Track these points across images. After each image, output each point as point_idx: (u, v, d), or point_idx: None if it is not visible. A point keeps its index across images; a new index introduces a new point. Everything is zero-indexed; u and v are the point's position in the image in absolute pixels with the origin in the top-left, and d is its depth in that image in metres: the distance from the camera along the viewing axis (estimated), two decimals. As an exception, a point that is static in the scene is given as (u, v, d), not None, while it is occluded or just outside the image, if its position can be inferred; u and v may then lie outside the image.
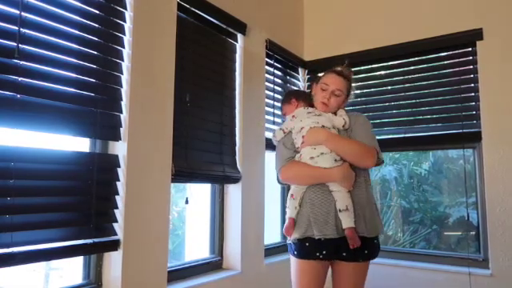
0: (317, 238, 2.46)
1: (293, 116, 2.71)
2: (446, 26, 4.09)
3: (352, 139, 2.57)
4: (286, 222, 2.59)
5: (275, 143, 2.81)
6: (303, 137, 2.57)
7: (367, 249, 2.51)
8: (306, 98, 2.78)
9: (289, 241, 2.64)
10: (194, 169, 3.31)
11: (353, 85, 2.79)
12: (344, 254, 2.50)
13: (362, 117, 2.72)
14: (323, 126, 2.56)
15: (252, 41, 4.00)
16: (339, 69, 2.74)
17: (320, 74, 2.85)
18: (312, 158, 2.51)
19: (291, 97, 2.81)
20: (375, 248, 2.58)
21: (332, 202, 2.47)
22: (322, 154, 2.50)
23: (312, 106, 2.74)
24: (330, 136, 2.52)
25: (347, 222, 2.41)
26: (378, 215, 2.63)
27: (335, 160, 2.49)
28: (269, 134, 4.18)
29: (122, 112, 2.73)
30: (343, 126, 2.61)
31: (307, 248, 2.52)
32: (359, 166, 2.53)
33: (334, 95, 2.64)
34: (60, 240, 2.38)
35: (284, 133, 2.72)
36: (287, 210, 2.61)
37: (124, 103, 2.74)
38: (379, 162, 2.60)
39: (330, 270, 2.65)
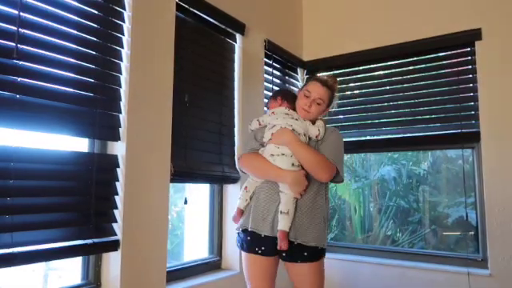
0: (249, 229, 2.59)
1: (272, 112, 2.77)
2: (445, 26, 4.10)
3: (315, 150, 2.61)
4: (234, 211, 2.74)
5: (249, 131, 2.89)
6: (272, 134, 2.64)
7: (306, 251, 2.54)
8: (291, 100, 2.81)
9: (236, 230, 2.76)
10: (193, 169, 3.31)
11: (336, 95, 2.81)
12: (284, 254, 2.58)
13: (337, 133, 2.75)
14: (293, 130, 2.61)
15: (251, 41, 4.01)
16: (324, 78, 2.77)
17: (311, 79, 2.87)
18: (272, 155, 2.59)
19: (278, 95, 2.87)
20: (316, 252, 2.58)
21: (276, 202, 2.55)
22: (282, 154, 2.57)
23: (295, 109, 2.77)
24: (294, 139, 2.57)
25: (282, 224, 2.48)
26: (324, 228, 2.62)
27: (292, 164, 2.55)
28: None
29: (120, 112, 2.73)
30: (316, 137, 2.65)
31: (249, 242, 2.62)
32: (314, 177, 2.57)
33: (316, 103, 2.66)
34: (60, 240, 2.38)
35: (259, 125, 2.78)
36: (238, 199, 2.74)
37: (123, 103, 2.74)
38: (337, 180, 2.67)
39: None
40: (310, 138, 2.65)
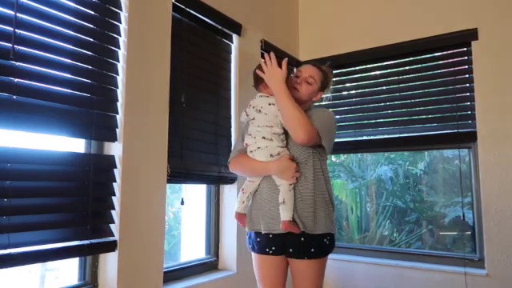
0: (263, 232, 2.55)
1: (249, 105, 2.69)
2: (441, 26, 4.11)
3: (299, 106, 2.47)
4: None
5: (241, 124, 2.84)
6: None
7: (313, 247, 2.49)
8: None
9: (247, 232, 2.74)
10: (190, 169, 3.31)
11: (331, 83, 2.77)
12: (290, 251, 2.53)
13: (326, 110, 2.72)
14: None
15: (247, 41, 4.01)
16: (318, 63, 2.76)
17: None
18: (251, 151, 2.57)
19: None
20: (324, 247, 2.53)
21: (278, 198, 2.51)
22: (258, 148, 2.54)
23: None
24: (283, 86, 2.50)
25: (282, 215, 2.44)
26: (328, 212, 2.56)
27: (271, 155, 2.50)
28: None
29: (117, 113, 2.73)
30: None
31: (259, 243, 2.61)
32: (292, 137, 2.49)
33: (307, 82, 2.63)
34: (57, 241, 2.38)
35: (247, 115, 2.69)
36: (236, 203, 2.70)
37: (119, 104, 2.74)
38: (326, 151, 2.55)
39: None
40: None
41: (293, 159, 2.50)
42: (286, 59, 2.58)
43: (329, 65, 2.79)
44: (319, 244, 2.50)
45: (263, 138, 2.54)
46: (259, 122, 2.57)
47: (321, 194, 2.54)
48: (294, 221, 2.44)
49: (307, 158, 2.53)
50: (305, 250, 2.49)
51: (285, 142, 2.56)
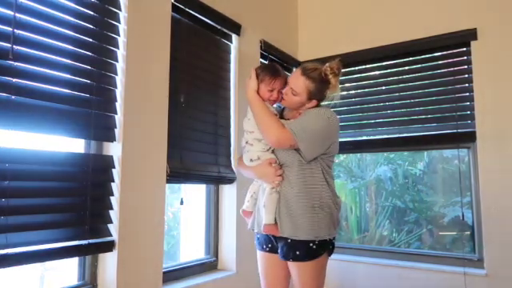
0: (255, 231, 2.64)
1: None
2: (441, 26, 4.11)
3: (269, 111, 2.50)
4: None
5: None
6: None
7: (299, 250, 2.43)
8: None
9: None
10: (189, 169, 3.31)
11: (332, 86, 2.59)
12: (278, 251, 2.56)
13: (317, 111, 2.51)
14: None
15: (246, 41, 4.01)
16: (310, 65, 2.57)
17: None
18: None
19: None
20: (310, 251, 2.43)
21: None
22: (243, 152, 2.64)
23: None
24: (250, 96, 2.56)
25: (264, 218, 2.48)
26: (317, 219, 2.43)
27: (250, 159, 2.58)
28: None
29: (116, 113, 2.73)
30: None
31: (258, 240, 2.72)
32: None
33: (291, 93, 2.52)
34: (55, 241, 2.38)
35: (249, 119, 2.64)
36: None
37: (118, 104, 2.74)
38: (304, 154, 2.43)
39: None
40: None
41: (275, 163, 2.51)
42: (253, 69, 2.63)
43: (337, 62, 2.62)
44: (305, 248, 2.44)
45: (246, 142, 2.62)
46: (245, 128, 2.64)
47: (307, 198, 2.44)
48: (276, 223, 2.47)
49: (292, 162, 2.50)
50: (290, 252, 2.47)
51: (269, 145, 2.56)
